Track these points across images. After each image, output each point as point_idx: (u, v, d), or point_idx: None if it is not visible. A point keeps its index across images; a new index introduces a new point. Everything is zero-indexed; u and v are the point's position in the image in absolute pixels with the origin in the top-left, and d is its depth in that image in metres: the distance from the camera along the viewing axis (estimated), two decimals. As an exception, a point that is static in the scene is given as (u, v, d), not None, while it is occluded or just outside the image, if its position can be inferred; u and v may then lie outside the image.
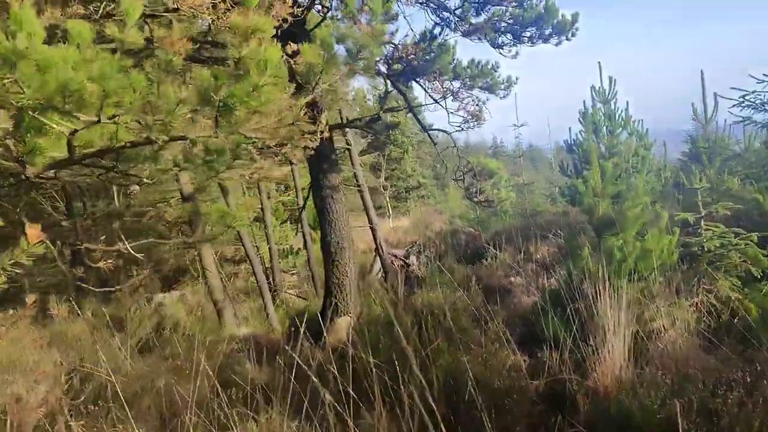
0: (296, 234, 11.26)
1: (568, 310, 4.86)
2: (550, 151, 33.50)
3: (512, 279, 9.09)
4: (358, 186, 10.36)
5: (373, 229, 10.33)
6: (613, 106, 11.46)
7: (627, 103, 13.06)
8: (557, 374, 4.41)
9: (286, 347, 6.42)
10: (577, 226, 8.29)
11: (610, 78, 10.98)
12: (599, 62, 11.30)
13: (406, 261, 11.97)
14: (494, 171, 6.10)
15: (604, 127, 12.58)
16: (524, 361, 5.05)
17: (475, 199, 6.30)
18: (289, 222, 15.90)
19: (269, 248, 10.62)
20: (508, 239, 11.69)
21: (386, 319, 6.24)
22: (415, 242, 13.93)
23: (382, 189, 31.10)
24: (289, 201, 16.26)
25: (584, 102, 13.25)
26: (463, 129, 5.93)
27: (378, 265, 10.89)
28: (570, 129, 14.53)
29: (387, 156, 31.81)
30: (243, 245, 8.64)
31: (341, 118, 8.70)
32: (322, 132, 4.08)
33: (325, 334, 5.83)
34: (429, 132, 6.62)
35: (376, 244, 10.38)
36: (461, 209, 24.70)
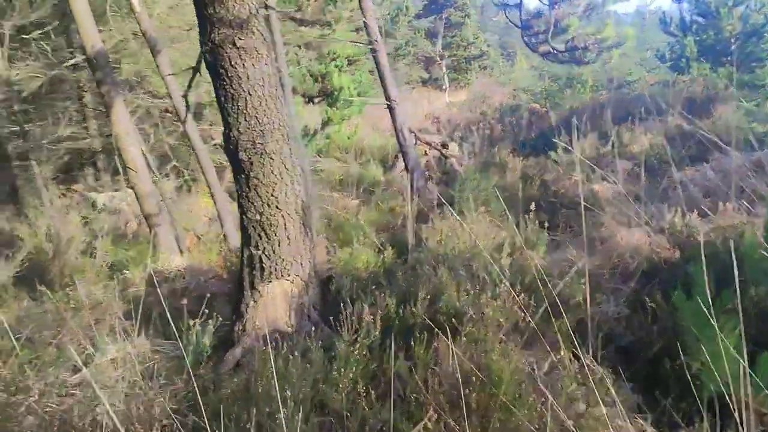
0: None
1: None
2: (643, 8, 27.31)
3: (596, 187, 5.88)
4: (370, 42, 7.00)
5: (390, 108, 7.14)
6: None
7: None
8: None
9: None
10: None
11: None
12: None
13: (444, 152, 8.83)
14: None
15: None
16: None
17: (542, 49, 2.89)
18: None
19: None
20: (589, 121, 8.18)
21: (372, 283, 3.36)
22: (458, 124, 10.61)
23: (438, 59, 26.89)
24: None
25: None
26: None
27: (401, 160, 7.85)
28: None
29: (446, 21, 27.50)
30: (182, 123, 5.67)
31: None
32: None
33: (241, 318, 3.12)
34: None
35: (395, 129, 7.25)
36: (528, 81, 20.60)
